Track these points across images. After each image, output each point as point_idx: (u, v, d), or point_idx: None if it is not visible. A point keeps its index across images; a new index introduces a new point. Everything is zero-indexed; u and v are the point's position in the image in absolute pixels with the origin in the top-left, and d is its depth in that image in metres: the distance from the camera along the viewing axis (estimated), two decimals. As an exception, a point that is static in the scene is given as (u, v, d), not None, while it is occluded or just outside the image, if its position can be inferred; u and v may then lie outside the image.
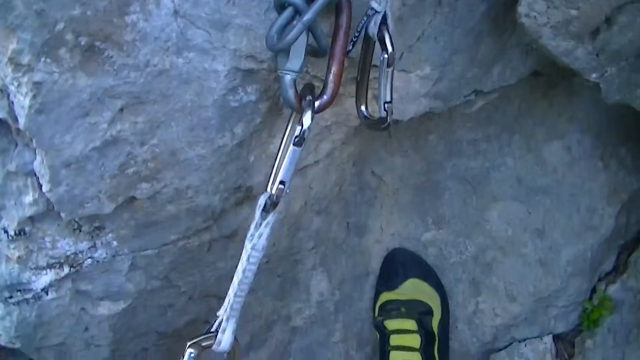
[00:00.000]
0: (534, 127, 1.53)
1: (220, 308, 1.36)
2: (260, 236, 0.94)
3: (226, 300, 0.96)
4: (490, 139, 1.54)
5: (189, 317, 1.36)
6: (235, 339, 0.97)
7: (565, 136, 1.52)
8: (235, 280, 0.95)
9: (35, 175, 1.01)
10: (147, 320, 1.30)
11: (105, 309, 1.24)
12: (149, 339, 1.35)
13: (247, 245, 0.94)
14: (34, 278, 1.12)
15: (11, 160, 1.02)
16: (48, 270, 1.12)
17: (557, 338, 1.61)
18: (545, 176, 1.54)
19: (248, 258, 0.94)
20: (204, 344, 0.96)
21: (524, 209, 1.56)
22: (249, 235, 0.95)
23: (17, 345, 1.21)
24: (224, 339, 0.96)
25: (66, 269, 1.13)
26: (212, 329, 0.97)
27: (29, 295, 1.13)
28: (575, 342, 1.60)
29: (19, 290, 1.13)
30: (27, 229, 1.07)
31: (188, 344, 0.95)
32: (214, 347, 0.96)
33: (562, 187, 1.54)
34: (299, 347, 1.55)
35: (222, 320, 0.97)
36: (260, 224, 0.94)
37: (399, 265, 1.56)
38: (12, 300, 1.13)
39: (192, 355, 0.95)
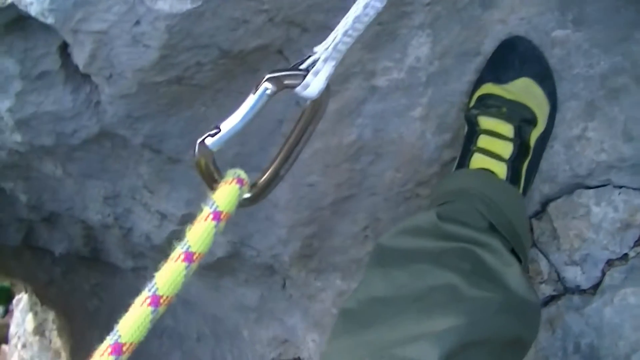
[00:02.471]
0: None
1: (302, 40, 1.14)
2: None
3: (330, 37, 0.71)
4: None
5: (261, 40, 1.14)
6: (328, 86, 0.73)
7: None
8: (352, 14, 0.70)
9: None
10: (213, 31, 1.09)
11: (167, 4, 1.03)
12: (208, 54, 1.14)
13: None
14: None
15: None
16: None
17: (656, 197, 1.37)
18: None
19: (376, -10, 0.68)
20: (286, 81, 0.72)
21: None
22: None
23: (50, 20, 1.02)
24: (315, 83, 0.72)
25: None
26: (302, 67, 0.73)
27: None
28: (676, 210, 1.36)
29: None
30: None
31: (267, 76, 0.71)
32: (298, 89, 0.72)
33: None
34: (372, 110, 1.32)
35: (319, 59, 0.72)
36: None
37: (516, 57, 1.27)
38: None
39: (268, 92, 0.71)
